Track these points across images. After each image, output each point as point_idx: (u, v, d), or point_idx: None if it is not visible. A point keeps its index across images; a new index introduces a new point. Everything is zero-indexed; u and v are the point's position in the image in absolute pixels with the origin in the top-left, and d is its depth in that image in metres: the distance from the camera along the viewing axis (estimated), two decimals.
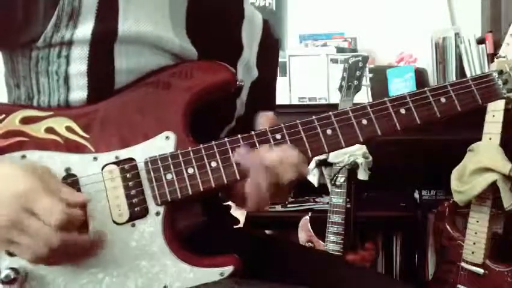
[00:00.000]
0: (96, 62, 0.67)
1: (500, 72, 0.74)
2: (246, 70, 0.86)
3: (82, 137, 0.67)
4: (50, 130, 0.67)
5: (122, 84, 0.69)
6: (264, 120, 0.70)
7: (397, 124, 0.69)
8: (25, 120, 0.67)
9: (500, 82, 0.73)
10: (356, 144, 1.73)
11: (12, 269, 0.61)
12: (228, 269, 0.66)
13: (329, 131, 0.68)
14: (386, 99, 0.70)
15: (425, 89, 0.71)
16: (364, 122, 0.69)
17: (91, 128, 0.67)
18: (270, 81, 0.96)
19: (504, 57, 1.37)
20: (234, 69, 0.74)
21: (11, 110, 0.67)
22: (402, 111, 0.70)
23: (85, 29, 0.66)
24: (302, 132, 0.68)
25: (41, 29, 0.66)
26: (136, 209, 0.65)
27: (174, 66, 0.72)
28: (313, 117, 0.69)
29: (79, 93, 0.68)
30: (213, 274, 0.66)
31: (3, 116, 0.66)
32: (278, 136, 0.68)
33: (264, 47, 0.91)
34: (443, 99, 0.71)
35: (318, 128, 0.68)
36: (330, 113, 0.69)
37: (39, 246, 0.56)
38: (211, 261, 0.67)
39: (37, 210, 0.56)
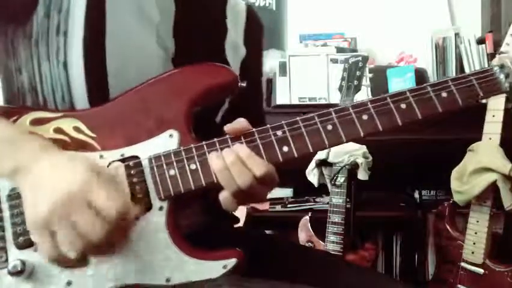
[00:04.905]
0: (90, 48, 0.70)
1: (502, 67, 0.73)
2: (234, 50, 0.88)
3: (89, 136, 0.68)
4: (58, 130, 0.68)
5: (117, 73, 0.72)
6: (233, 127, 0.68)
7: (398, 119, 0.69)
8: (35, 122, 0.68)
9: (502, 76, 0.72)
10: (356, 144, 1.75)
11: (21, 260, 0.63)
12: (231, 262, 0.66)
13: (329, 126, 0.69)
14: (386, 95, 0.70)
15: (426, 84, 0.71)
16: (365, 117, 0.69)
17: (98, 128, 0.69)
18: (257, 60, 0.97)
19: (506, 53, 1.37)
20: (236, 73, 0.75)
21: (22, 112, 0.69)
22: (403, 106, 0.69)
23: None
24: (303, 128, 0.69)
25: None
26: (140, 204, 0.66)
27: (178, 67, 0.74)
28: (314, 114, 0.69)
29: (79, 86, 0.71)
30: (216, 267, 0.66)
31: (15, 117, 0.68)
32: (279, 133, 0.68)
33: (250, 30, 0.92)
34: (444, 94, 0.70)
35: (319, 123, 0.69)
36: (331, 109, 0.70)
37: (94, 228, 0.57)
38: (214, 254, 0.67)
39: (98, 204, 0.57)
